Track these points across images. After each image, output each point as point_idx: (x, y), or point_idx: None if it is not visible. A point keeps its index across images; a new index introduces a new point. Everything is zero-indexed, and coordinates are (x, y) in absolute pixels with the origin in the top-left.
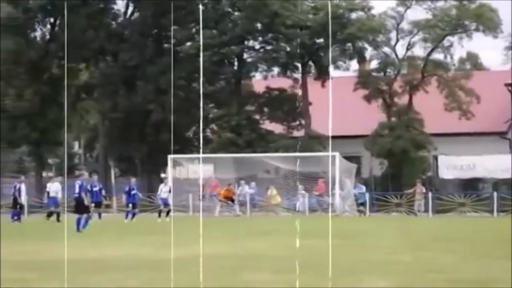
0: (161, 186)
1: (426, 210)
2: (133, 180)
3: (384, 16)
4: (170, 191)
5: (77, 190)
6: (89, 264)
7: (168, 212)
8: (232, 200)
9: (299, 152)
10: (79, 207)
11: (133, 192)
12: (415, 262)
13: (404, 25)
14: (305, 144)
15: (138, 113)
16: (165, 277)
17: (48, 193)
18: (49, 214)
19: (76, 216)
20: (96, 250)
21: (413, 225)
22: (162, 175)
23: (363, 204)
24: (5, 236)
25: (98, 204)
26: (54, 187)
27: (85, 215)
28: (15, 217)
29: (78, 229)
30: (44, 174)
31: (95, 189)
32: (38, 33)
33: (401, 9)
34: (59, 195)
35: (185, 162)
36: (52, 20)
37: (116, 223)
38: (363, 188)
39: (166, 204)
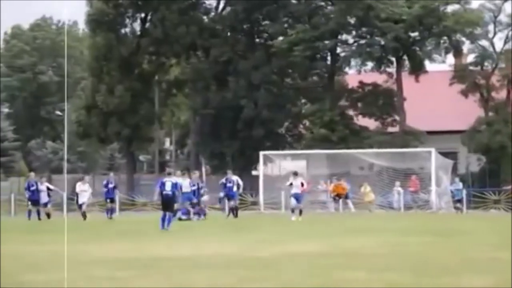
0: (292, 179)
1: None
2: (229, 172)
3: (482, 8)
4: (302, 185)
5: (168, 188)
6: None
7: (300, 212)
8: (346, 197)
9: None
10: (166, 205)
11: (229, 185)
12: None
13: (502, 18)
14: (400, 140)
15: (229, 109)
16: (261, 275)
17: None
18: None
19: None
20: (195, 247)
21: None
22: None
23: (460, 201)
24: (99, 234)
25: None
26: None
27: (170, 213)
28: (109, 215)
29: (163, 227)
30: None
31: (201, 185)
32: (128, 29)
33: (499, 1)
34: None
35: (277, 159)
36: (142, 15)
37: (215, 220)
38: (460, 185)
39: (299, 201)
